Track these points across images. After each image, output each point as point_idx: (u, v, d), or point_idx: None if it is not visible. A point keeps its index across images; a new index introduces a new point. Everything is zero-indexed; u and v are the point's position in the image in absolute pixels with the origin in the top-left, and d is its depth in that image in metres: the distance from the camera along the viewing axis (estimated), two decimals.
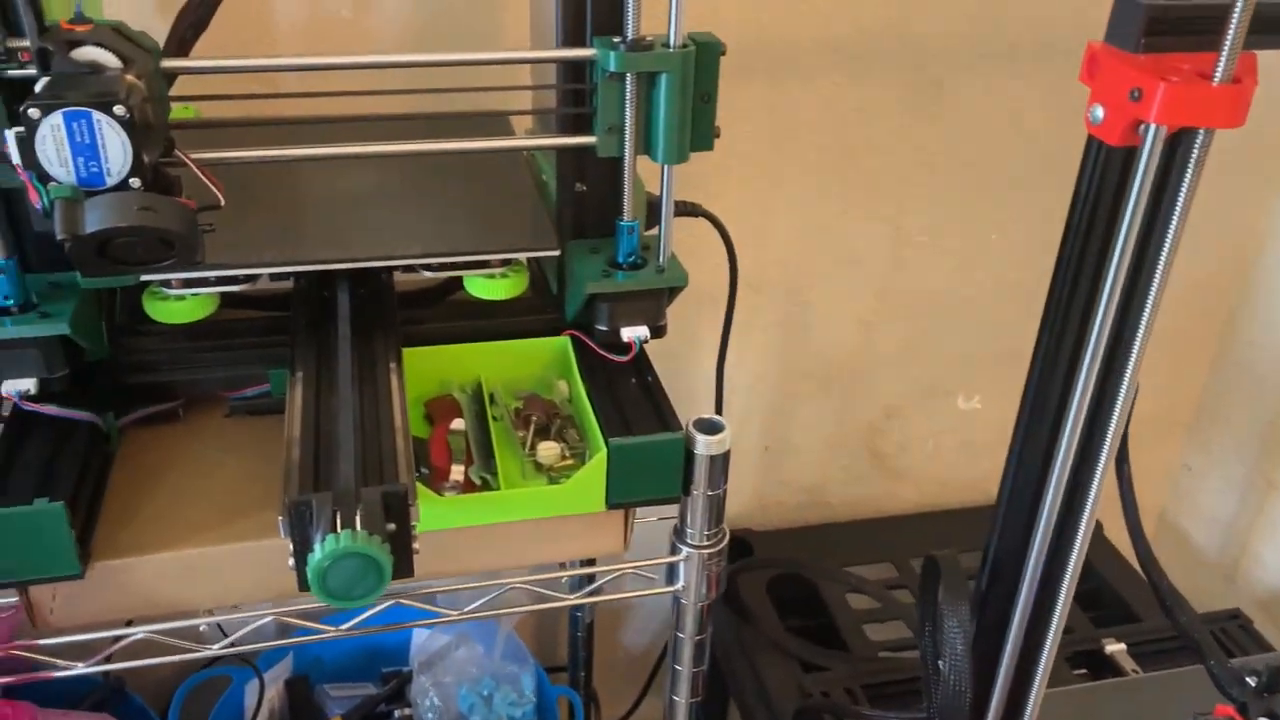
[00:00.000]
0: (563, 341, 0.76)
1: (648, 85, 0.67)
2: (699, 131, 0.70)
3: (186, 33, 0.67)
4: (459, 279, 0.73)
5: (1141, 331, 0.57)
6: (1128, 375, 0.58)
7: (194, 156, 0.61)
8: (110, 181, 0.54)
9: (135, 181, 0.54)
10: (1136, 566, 0.78)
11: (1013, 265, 1.26)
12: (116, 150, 0.53)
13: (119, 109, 0.52)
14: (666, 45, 0.66)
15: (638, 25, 0.66)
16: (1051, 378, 0.62)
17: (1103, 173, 0.55)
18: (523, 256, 0.73)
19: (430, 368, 0.74)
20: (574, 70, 0.70)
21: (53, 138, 0.52)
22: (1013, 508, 0.67)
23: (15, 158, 0.53)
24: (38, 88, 0.54)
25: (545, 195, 0.79)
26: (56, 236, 0.52)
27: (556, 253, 0.73)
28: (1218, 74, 0.49)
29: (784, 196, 1.17)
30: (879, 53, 1.11)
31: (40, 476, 0.61)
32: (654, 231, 0.73)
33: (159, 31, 0.86)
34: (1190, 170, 0.51)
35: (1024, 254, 1.25)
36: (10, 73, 0.58)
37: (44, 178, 0.53)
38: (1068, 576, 0.63)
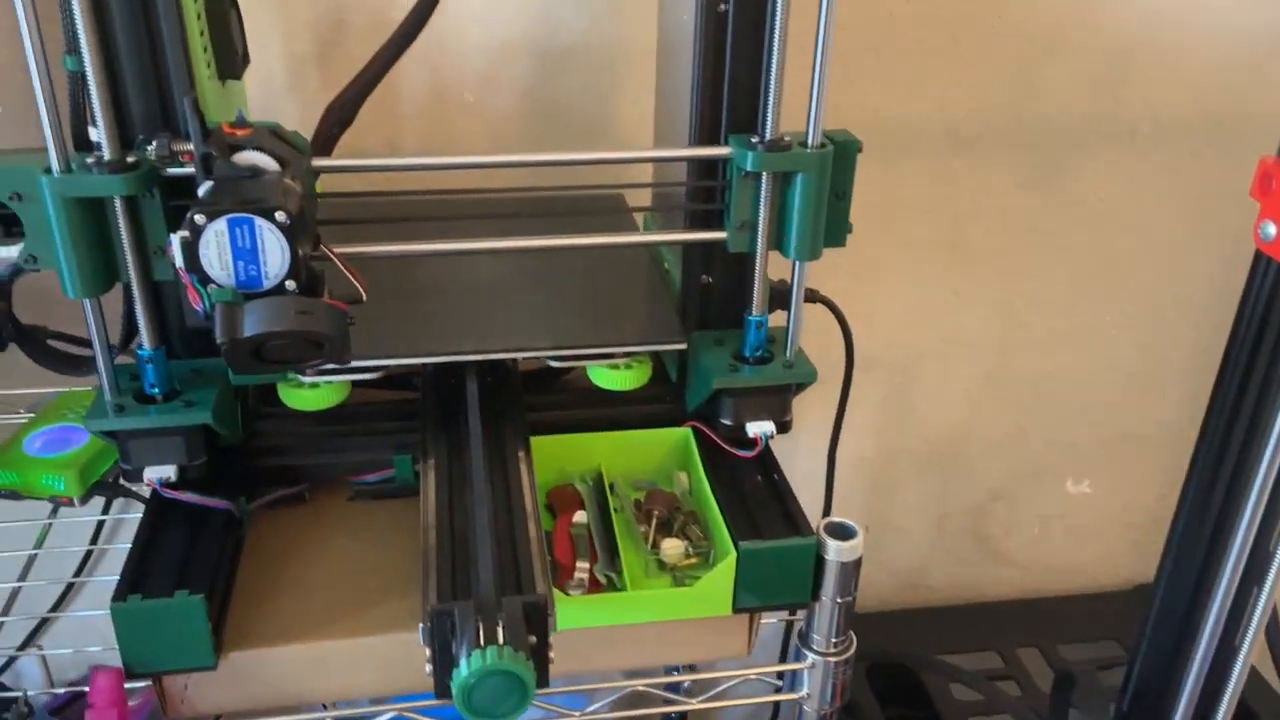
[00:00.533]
0: (684, 433, 0.75)
1: (783, 183, 0.67)
2: (833, 228, 0.69)
3: (333, 129, 0.68)
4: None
5: None
6: None
7: (338, 251, 0.62)
8: (268, 284, 0.55)
9: (291, 284, 0.55)
10: None
11: (1126, 350, 1.22)
12: (275, 254, 0.54)
13: (280, 215, 0.53)
14: (804, 145, 0.66)
15: (776, 123, 0.66)
16: (1207, 507, 0.59)
17: (1272, 291, 0.52)
18: (649, 350, 0.73)
19: (552, 456, 0.74)
20: (705, 164, 0.70)
21: (216, 242, 0.53)
22: (1160, 630, 0.64)
23: (179, 260, 0.54)
24: (201, 191, 0.56)
25: (668, 283, 0.79)
26: (216, 340, 0.53)
27: (683, 347, 0.72)
28: None
29: (894, 274, 1.15)
30: (995, 134, 1.09)
31: (179, 565, 0.61)
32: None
33: (290, 114, 0.89)
34: None
35: (1139, 339, 1.22)
36: (172, 171, 0.60)
37: (204, 280, 0.54)
38: (1223, 709, 0.59)
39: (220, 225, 0.53)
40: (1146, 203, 1.15)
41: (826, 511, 0.93)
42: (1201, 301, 1.20)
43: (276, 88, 0.94)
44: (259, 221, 0.53)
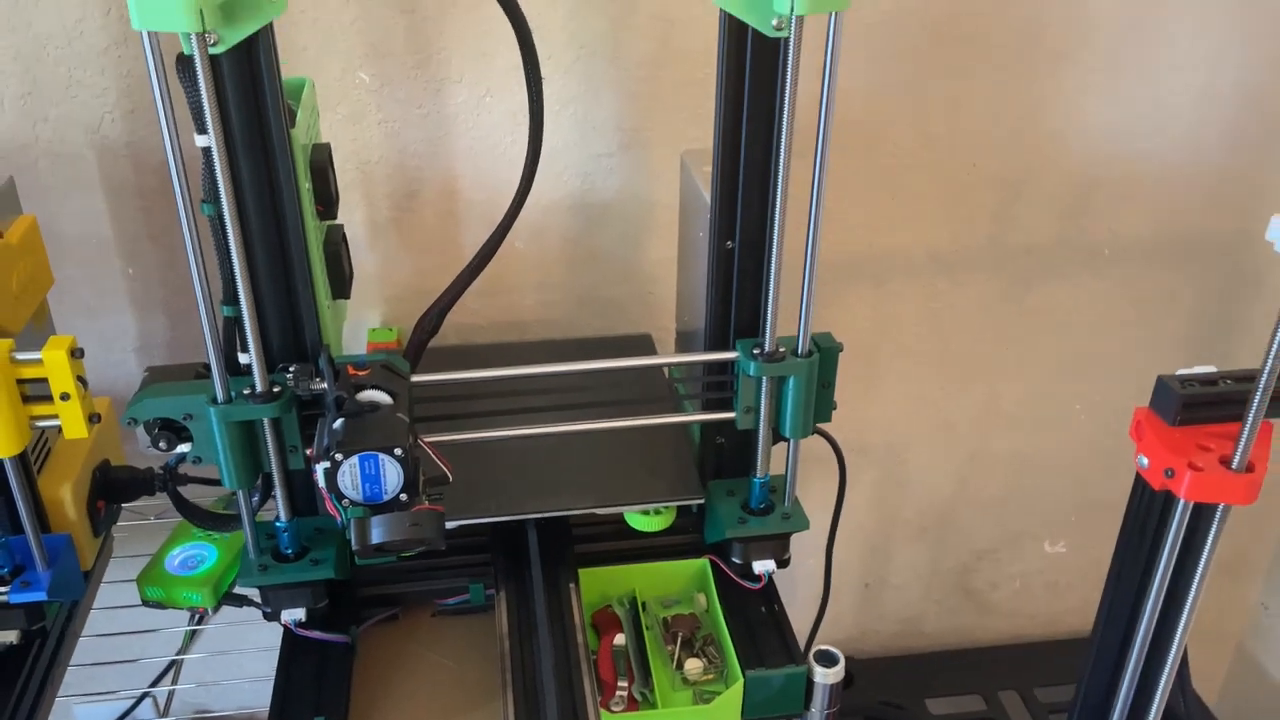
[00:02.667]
0: (703, 563, 0.93)
1: (779, 380, 0.84)
2: (820, 409, 0.87)
3: (424, 337, 0.86)
4: None
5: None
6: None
7: (428, 440, 0.80)
8: (386, 498, 0.73)
9: (404, 496, 0.73)
10: None
11: (1094, 432, 1.39)
12: (393, 477, 0.72)
13: (398, 450, 0.71)
14: (796, 353, 0.83)
15: (773, 335, 0.83)
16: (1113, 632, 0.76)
17: (1147, 506, 0.69)
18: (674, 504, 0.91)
19: (596, 583, 0.92)
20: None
21: (350, 473, 0.71)
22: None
23: (321, 483, 0.72)
24: (335, 425, 0.73)
25: (689, 437, 0.96)
26: (352, 546, 0.71)
27: (701, 500, 0.90)
28: (1235, 461, 0.63)
29: (888, 374, 1.32)
30: (974, 259, 1.25)
31: (314, 695, 0.80)
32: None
33: (371, 267, 1.05)
34: (1214, 531, 0.65)
35: (1104, 422, 1.38)
36: (302, 393, 0.77)
37: (339, 496, 0.72)
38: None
39: (354, 460, 0.71)
40: (1108, 312, 1.30)
41: (821, 611, 1.11)
42: None
43: (361, 246, 1.12)
44: (382, 456, 0.71)
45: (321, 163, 0.82)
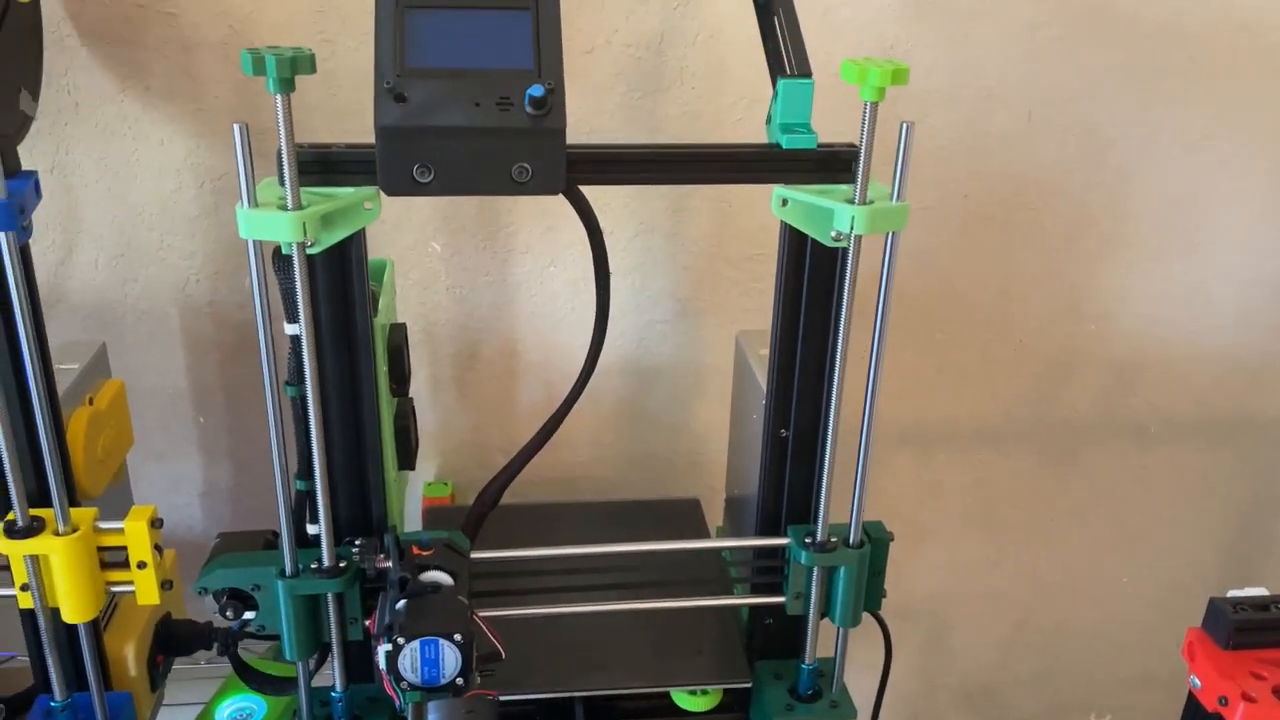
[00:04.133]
0: None
1: (831, 567, 0.85)
2: (870, 596, 0.87)
3: (484, 510, 0.88)
4: None
5: None
6: None
7: (481, 615, 0.82)
8: (443, 681, 0.74)
9: (460, 680, 0.74)
10: None
11: (1140, 606, 1.37)
12: (451, 662, 0.74)
13: (458, 636, 0.73)
14: (848, 543, 0.84)
15: (826, 525, 0.85)
16: None
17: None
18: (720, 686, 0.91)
19: None
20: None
21: (410, 656, 0.73)
22: None
23: (381, 664, 0.74)
24: (398, 606, 0.75)
25: (737, 613, 0.97)
26: None
27: (749, 685, 0.90)
28: None
29: (931, 540, 1.32)
30: (1019, 431, 1.27)
31: None
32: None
33: (431, 422, 1.08)
34: None
35: (1150, 595, 1.37)
36: (368, 571, 0.80)
37: (398, 679, 0.74)
38: None
39: (415, 645, 0.73)
40: (1154, 487, 1.31)
41: None
42: (1209, 561, 1.36)
43: (422, 402, 1.16)
44: (442, 641, 0.73)
45: (398, 344, 0.86)
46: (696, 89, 1.06)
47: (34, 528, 0.76)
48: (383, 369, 0.82)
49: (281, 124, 0.67)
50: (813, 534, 0.85)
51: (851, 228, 0.74)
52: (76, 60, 0.97)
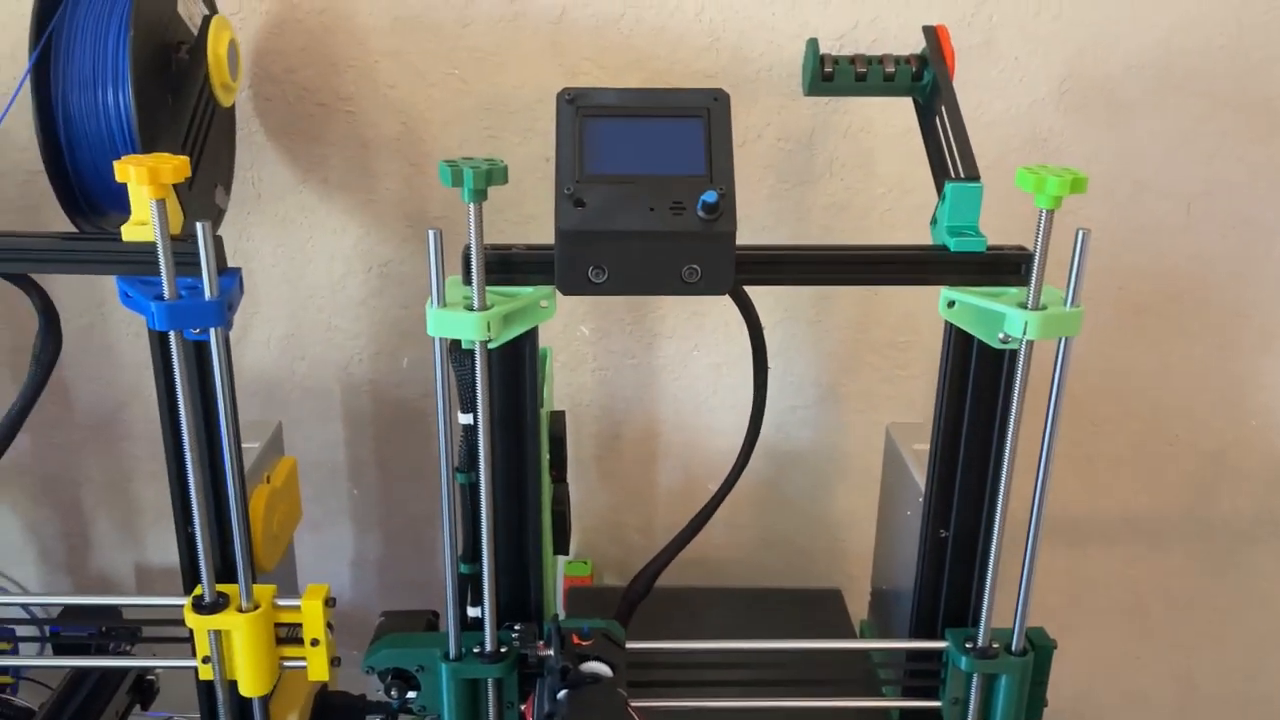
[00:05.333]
0: None
1: (991, 674, 0.83)
2: (1032, 706, 0.85)
3: (635, 599, 0.89)
4: None
5: None
6: None
7: (634, 705, 0.82)
8: None
9: None
10: None
11: None
12: None
13: None
14: (1010, 650, 0.82)
15: (988, 630, 0.83)
16: None
17: None
18: None
19: None
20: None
21: None
22: None
23: None
24: (559, 695, 0.76)
25: (888, 716, 0.95)
26: None
27: None
28: None
29: (1077, 637, 1.27)
30: (1173, 528, 1.22)
31: None
32: None
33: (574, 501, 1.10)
34: None
35: None
36: (530, 658, 0.81)
37: None
38: None
39: None
40: None
41: None
42: None
43: None
44: None
45: (559, 432, 0.89)
46: (845, 180, 1.07)
47: (219, 603, 0.80)
48: (545, 457, 0.85)
49: (473, 231, 0.70)
50: (973, 639, 0.83)
51: (1024, 333, 0.73)
52: (263, 155, 1.03)
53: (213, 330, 0.74)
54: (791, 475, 1.20)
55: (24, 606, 1.10)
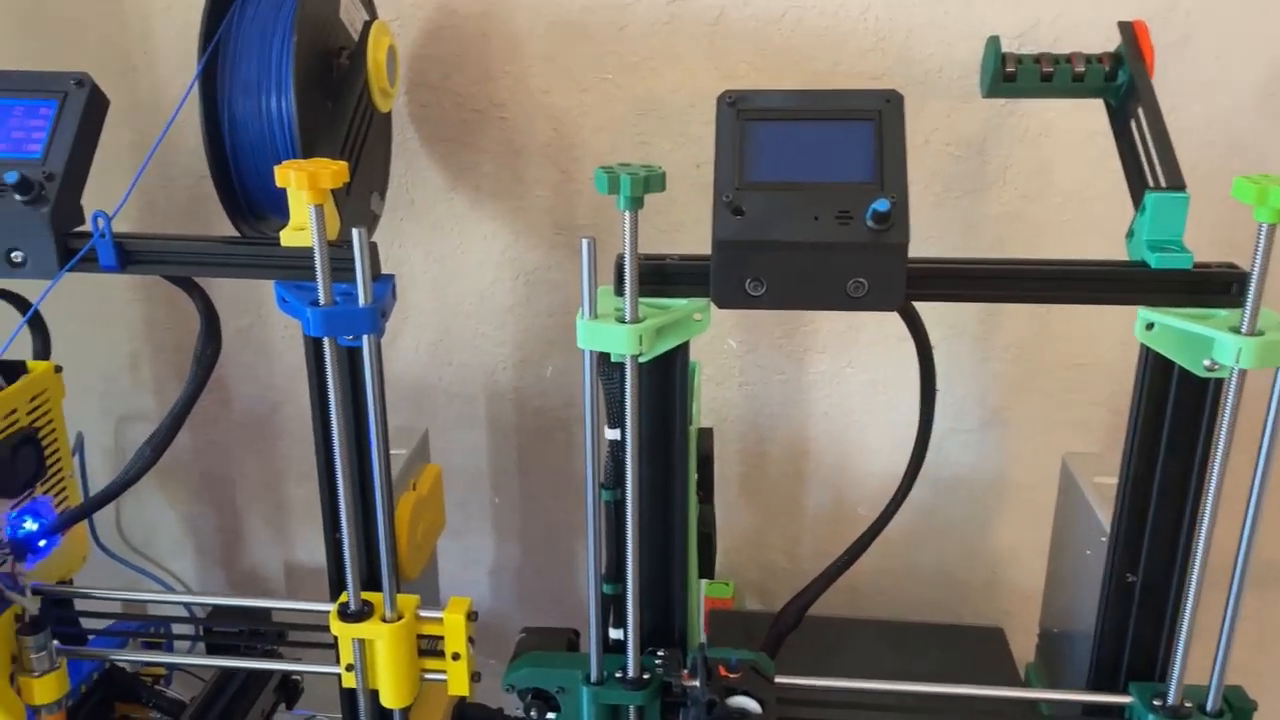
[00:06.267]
0: None
1: None
2: None
3: (785, 630, 0.84)
4: None
5: None
6: None
7: None
8: None
9: None
10: None
11: None
12: None
13: None
14: (1204, 710, 0.74)
15: (1180, 687, 0.75)
16: None
17: None
18: None
19: None
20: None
21: None
22: None
23: None
24: None
25: None
26: None
27: None
28: None
29: (1261, 692, 1.15)
30: None
31: None
32: None
33: None
34: None
35: None
36: (674, 687, 0.78)
37: None
38: None
39: None
40: None
41: None
42: None
43: None
44: None
45: (707, 451, 0.85)
46: (1020, 188, 1.00)
47: (364, 612, 0.79)
48: (693, 477, 0.81)
49: (628, 240, 0.67)
50: (1163, 695, 0.75)
51: (1237, 360, 0.65)
52: (416, 161, 1.04)
53: (366, 337, 0.73)
54: (950, 503, 1.13)
55: (186, 606, 1.14)
